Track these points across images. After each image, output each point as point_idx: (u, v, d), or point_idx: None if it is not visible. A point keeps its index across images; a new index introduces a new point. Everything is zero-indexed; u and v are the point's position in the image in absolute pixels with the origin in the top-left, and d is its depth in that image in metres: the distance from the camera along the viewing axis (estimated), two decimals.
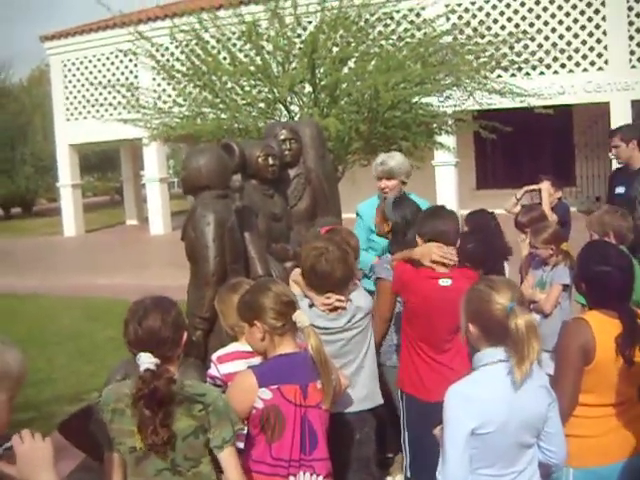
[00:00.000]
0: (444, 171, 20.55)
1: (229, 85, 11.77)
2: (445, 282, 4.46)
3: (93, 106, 24.32)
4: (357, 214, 6.21)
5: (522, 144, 22.28)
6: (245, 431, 3.45)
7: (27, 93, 40.19)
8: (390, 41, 11.83)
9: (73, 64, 25.49)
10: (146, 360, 3.09)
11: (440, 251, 4.47)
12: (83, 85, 25.06)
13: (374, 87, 10.21)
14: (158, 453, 3.10)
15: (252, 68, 11.33)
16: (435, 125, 12.46)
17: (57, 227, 27.05)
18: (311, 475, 3.46)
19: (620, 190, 7.06)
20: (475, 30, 15.29)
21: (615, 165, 7.54)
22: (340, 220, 6.22)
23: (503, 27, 19.38)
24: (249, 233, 5.23)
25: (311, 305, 4.31)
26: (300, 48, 11.16)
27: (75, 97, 25.43)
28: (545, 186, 7.04)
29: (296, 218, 5.96)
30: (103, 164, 42.27)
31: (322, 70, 11.01)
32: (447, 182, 20.42)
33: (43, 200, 42.97)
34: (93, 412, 3.40)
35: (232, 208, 5.03)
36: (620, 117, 18.65)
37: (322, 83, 10.91)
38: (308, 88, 11.32)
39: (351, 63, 11.62)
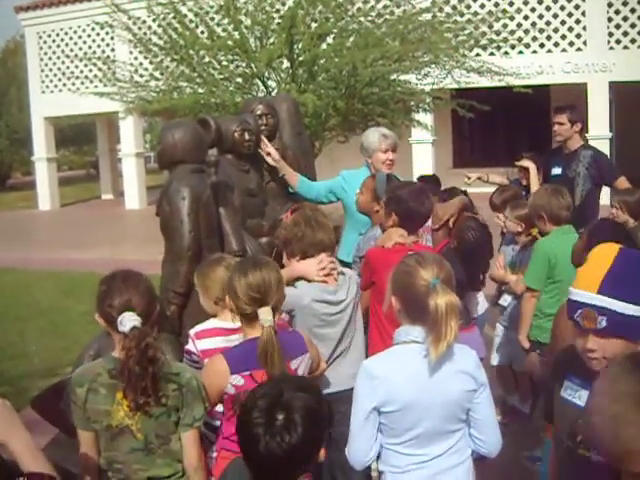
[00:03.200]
0: (421, 149, 20.56)
1: (207, 60, 11.68)
2: None
3: (69, 79, 24.06)
4: (341, 178, 6.21)
5: (500, 123, 22.36)
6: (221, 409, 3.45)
7: (2, 65, 39.67)
8: (369, 18, 11.78)
9: (49, 36, 25.17)
10: (131, 318, 3.05)
11: (400, 237, 4.49)
12: (59, 57, 24.80)
13: (352, 63, 10.18)
14: (145, 414, 3.08)
15: (230, 43, 11.25)
16: (412, 103, 12.47)
17: (32, 201, 26.82)
18: None
19: (557, 171, 7.18)
20: (454, 8, 15.29)
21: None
22: None
23: (482, 5, 19.37)
24: (224, 208, 5.19)
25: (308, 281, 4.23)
26: (278, 23, 11.09)
27: (51, 69, 25.15)
28: (532, 165, 7.10)
29: (272, 193, 5.94)
30: (79, 138, 41.89)
31: (300, 46, 10.96)
32: (424, 160, 20.41)
33: (18, 174, 42.57)
34: (65, 388, 3.37)
35: (207, 183, 4.99)
36: (598, 98, 18.75)
37: (300, 59, 10.85)
38: (286, 64, 11.26)
39: (330, 39, 11.57)
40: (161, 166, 5.10)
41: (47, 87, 25.36)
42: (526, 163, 7.09)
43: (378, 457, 3.05)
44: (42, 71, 25.33)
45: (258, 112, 5.95)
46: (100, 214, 23.77)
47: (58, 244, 17.39)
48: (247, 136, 5.55)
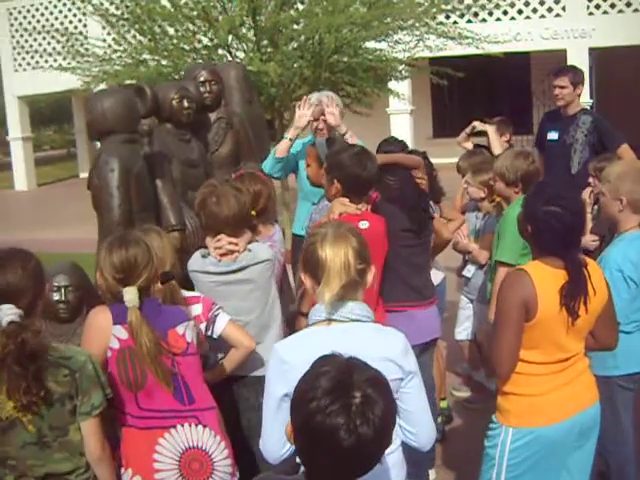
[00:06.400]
0: (399, 119, 20.21)
1: (170, 31, 11.35)
2: (364, 224, 4.21)
3: (41, 56, 23.56)
4: None
5: (480, 92, 22.01)
6: None
7: None
8: None
9: (19, 12, 24.64)
10: (9, 312, 2.83)
11: (342, 207, 4.25)
12: (30, 34, 24.28)
13: (316, 30, 9.86)
14: (33, 414, 2.86)
15: (194, 13, 10.91)
16: (383, 71, 12.15)
17: (9, 181, 26.42)
18: (196, 426, 3.25)
19: (553, 136, 6.84)
20: None
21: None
22: None
23: None
24: (161, 180, 4.92)
25: (204, 255, 4.13)
26: None
27: (22, 47, 24.63)
28: (491, 128, 6.75)
29: (217, 164, 5.65)
30: (58, 116, 41.30)
31: (264, 13, 10.63)
32: (402, 130, 19.95)
33: None
34: None
35: (140, 153, 4.72)
36: (577, 64, 18.39)
37: (261, 27, 10.53)
38: (249, 31, 10.94)
39: (300, 6, 11.24)
40: (90, 137, 4.86)
41: (20, 65, 24.87)
42: (483, 126, 6.74)
43: None
44: (14, 49, 24.82)
45: (201, 79, 5.68)
46: (76, 193, 23.22)
47: (31, 224, 17.06)
48: (186, 103, 5.26)
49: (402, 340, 2.74)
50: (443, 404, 5.78)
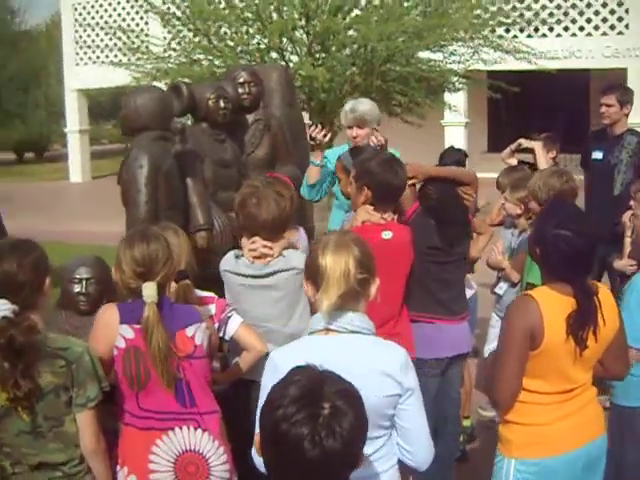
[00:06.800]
0: (453, 131, 20.06)
1: (225, 31, 11.40)
2: (387, 235, 4.16)
3: (102, 51, 23.93)
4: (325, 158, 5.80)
5: (537, 108, 21.75)
6: None
7: (46, 37, 39.76)
8: None
9: (84, 8, 25.04)
10: (1, 307, 2.84)
11: (367, 215, 4.19)
12: (93, 30, 24.63)
13: (368, 38, 9.81)
14: (23, 408, 2.87)
15: (250, 15, 10.94)
16: (436, 82, 12.06)
17: (65, 173, 26.84)
18: (195, 430, 3.20)
19: (598, 155, 6.67)
20: None
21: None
22: (300, 171, 5.88)
23: None
24: (192, 179, 4.91)
25: (238, 256, 4.06)
26: None
27: (85, 41, 25.01)
28: (537, 145, 6.62)
29: (253, 166, 5.60)
30: (117, 111, 41.79)
31: (318, 18, 10.61)
32: (456, 143, 19.81)
33: (57, 145, 42.74)
34: None
35: (171, 151, 4.71)
36: (636, 84, 18.06)
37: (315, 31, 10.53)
38: (303, 36, 10.94)
39: (357, 12, 11.18)
40: (123, 132, 4.86)
41: (81, 59, 25.27)
42: (529, 143, 6.62)
43: None
44: (76, 43, 25.21)
45: (241, 80, 5.64)
46: None
47: (76, 216, 17.28)
48: (222, 104, 5.23)
49: (402, 355, 2.65)
50: (466, 422, 5.67)
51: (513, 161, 6.85)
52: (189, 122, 5.35)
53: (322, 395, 1.85)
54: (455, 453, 4.97)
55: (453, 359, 4.61)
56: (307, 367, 1.97)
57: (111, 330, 3.13)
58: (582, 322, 3.00)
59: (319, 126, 5.23)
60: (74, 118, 25.72)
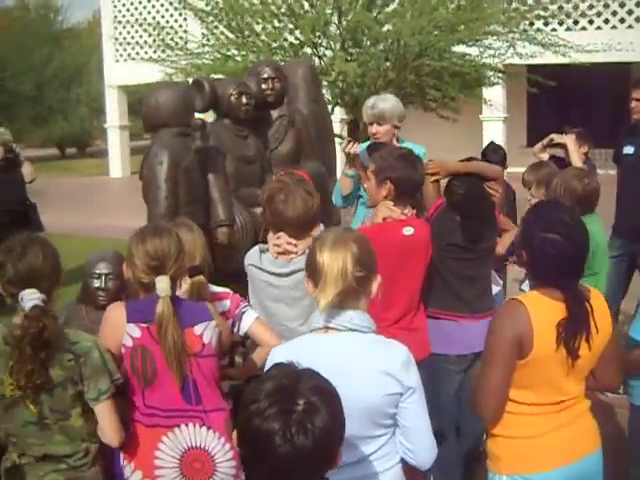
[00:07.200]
0: (492, 126, 19.88)
1: (257, 28, 11.39)
2: (409, 231, 4.15)
3: (141, 47, 24.07)
4: None
5: (577, 102, 21.49)
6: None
7: (88, 34, 40.23)
8: None
9: (123, 4, 25.25)
10: (32, 296, 2.91)
11: (388, 210, 4.16)
12: (132, 26, 24.83)
13: (398, 32, 9.74)
14: (31, 399, 2.93)
15: (282, 9, 10.92)
16: (471, 76, 11.93)
17: (105, 168, 27.11)
18: (200, 427, 3.21)
19: (629, 150, 6.57)
20: None
21: None
22: (325, 167, 5.87)
23: None
24: (213, 175, 4.93)
25: (263, 251, 4.05)
26: None
27: (125, 38, 25.22)
28: (570, 140, 6.53)
29: (276, 161, 5.61)
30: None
31: (350, 13, 10.56)
32: (495, 138, 19.61)
33: (99, 141, 43.21)
34: None
35: (191, 147, 4.72)
36: None
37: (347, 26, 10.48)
38: (336, 31, 10.89)
39: (394, 6, 11.09)
40: (145, 129, 4.90)
41: (121, 56, 25.48)
42: (561, 138, 6.53)
43: None
44: (116, 39, 25.43)
45: (264, 75, 5.65)
46: None
47: (112, 211, 17.46)
48: (244, 100, 5.25)
49: (404, 353, 2.61)
50: None
51: (545, 156, 6.77)
52: (210, 119, 5.34)
53: (297, 391, 1.84)
54: (478, 450, 4.93)
55: (477, 356, 4.58)
56: (287, 365, 1.97)
57: (118, 329, 3.14)
58: (573, 330, 2.83)
59: (352, 141, 5.19)
60: (114, 114, 25.95)
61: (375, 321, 2.94)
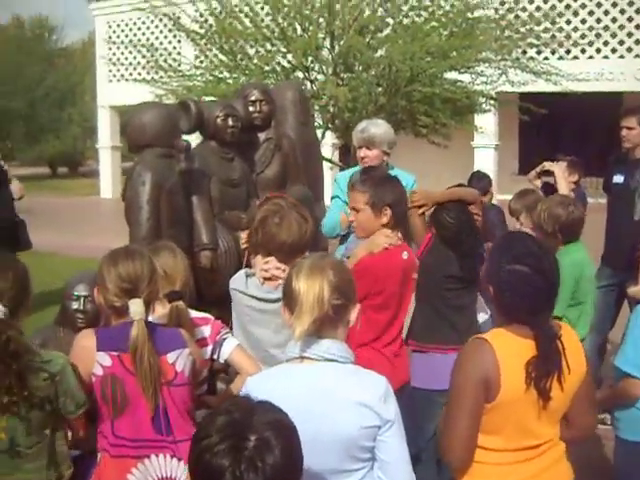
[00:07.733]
0: (483, 153, 19.94)
1: (250, 51, 11.39)
2: (405, 255, 4.11)
3: (134, 68, 24.11)
4: (335, 181, 5.69)
5: (569, 131, 21.58)
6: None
7: (82, 54, 40.33)
8: (416, 12, 11.28)
9: (118, 25, 25.31)
10: None
11: (387, 239, 4.06)
12: (126, 47, 24.87)
13: (389, 57, 9.75)
14: (13, 414, 2.86)
15: (275, 33, 10.93)
16: (463, 103, 11.94)
17: (96, 188, 27.09)
18: (171, 458, 3.09)
19: (619, 179, 6.52)
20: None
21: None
22: (312, 192, 5.80)
23: (553, 7, 18.61)
24: (197, 197, 4.86)
25: (249, 275, 3.92)
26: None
27: (118, 59, 25.24)
28: (558, 168, 6.48)
29: (262, 185, 5.53)
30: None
31: (343, 38, 10.57)
32: (486, 165, 19.70)
33: (91, 161, 43.22)
34: None
35: (175, 169, 4.66)
36: None
37: (336, 51, 10.49)
38: (328, 55, 10.90)
39: (387, 31, 11.11)
40: (129, 149, 4.83)
41: (114, 76, 25.51)
42: (551, 166, 6.49)
43: None
44: (109, 59, 25.44)
45: (252, 98, 5.60)
46: None
47: (99, 231, 17.40)
48: (231, 122, 5.18)
49: (382, 385, 2.51)
50: None
51: (538, 183, 6.76)
52: (197, 141, 5.29)
53: (250, 426, 1.76)
54: None
55: None
56: (244, 397, 1.88)
57: (88, 357, 3.04)
58: (544, 369, 2.62)
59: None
60: (106, 134, 25.98)
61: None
